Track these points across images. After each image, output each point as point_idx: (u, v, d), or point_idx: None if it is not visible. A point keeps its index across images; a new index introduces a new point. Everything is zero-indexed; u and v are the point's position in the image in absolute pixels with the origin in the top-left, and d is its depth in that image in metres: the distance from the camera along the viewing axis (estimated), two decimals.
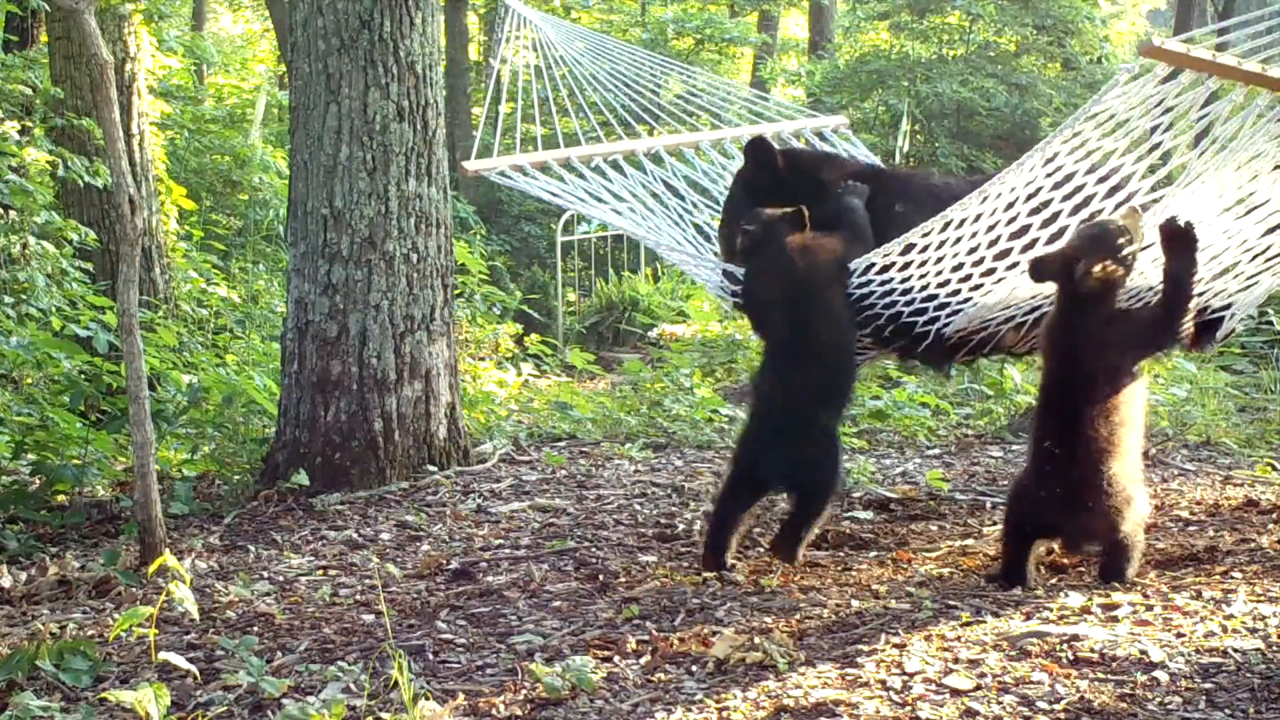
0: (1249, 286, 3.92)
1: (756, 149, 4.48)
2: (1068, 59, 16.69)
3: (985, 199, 3.64)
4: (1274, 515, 4.06)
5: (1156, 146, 3.56)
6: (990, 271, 3.80)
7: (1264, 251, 3.76)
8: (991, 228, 3.71)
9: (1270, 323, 7.25)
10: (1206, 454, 5.32)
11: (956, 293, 3.89)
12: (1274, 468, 4.93)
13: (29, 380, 6.36)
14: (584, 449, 5.98)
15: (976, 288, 3.86)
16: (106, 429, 5.37)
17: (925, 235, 3.73)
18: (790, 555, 3.79)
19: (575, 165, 5.21)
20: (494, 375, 8.38)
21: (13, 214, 6.92)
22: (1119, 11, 22.21)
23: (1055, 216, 3.67)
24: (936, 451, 5.76)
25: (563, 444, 6.11)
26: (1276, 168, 3.59)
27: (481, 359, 9.07)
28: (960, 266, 3.82)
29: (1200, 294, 3.84)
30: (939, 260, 3.81)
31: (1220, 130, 3.37)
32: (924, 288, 3.89)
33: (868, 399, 6.55)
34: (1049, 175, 3.62)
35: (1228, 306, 3.98)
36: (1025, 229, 3.70)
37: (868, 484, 4.90)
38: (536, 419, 6.68)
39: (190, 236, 10.49)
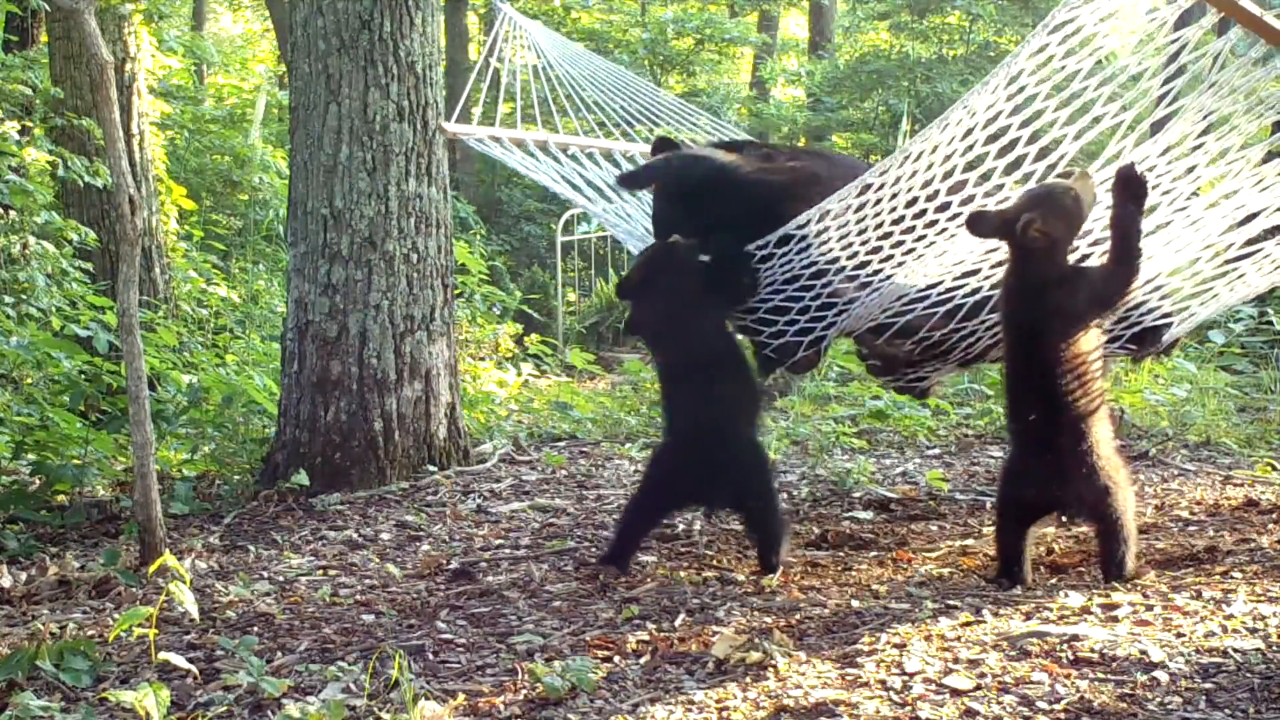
0: (1201, 293, 3.89)
1: (661, 146, 4.48)
2: None
3: (945, 127, 3.53)
4: (1274, 515, 4.06)
5: (1130, 75, 3.48)
6: (945, 206, 3.72)
7: (1223, 250, 3.73)
8: (948, 157, 3.61)
9: (1270, 323, 7.25)
10: (1206, 454, 5.32)
11: (889, 254, 3.82)
12: (1274, 468, 4.93)
13: (29, 380, 6.36)
14: (584, 449, 5.98)
15: (930, 227, 3.76)
16: (106, 429, 5.36)
17: (872, 183, 3.63)
18: (769, 566, 3.76)
19: (552, 150, 5.22)
20: (494, 375, 8.38)
21: (13, 214, 6.92)
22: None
23: (1013, 144, 3.59)
24: (936, 451, 5.76)
25: (563, 444, 6.11)
26: (1246, 145, 3.56)
27: (481, 359, 9.07)
28: (901, 220, 3.73)
29: (1156, 287, 3.85)
30: (876, 208, 3.71)
31: (1189, 60, 3.33)
32: (842, 255, 3.82)
33: (868, 399, 6.55)
34: (1010, 99, 3.50)
35: (1179, 312, 3.96)
36: (982, 159, 3.62)
37: (868, 484, 4.90)
38: (536, 419, 6.68)
39: (190, 236, 10.49)
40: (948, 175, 3.65)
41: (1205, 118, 3.51)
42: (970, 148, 3.58)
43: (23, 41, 8.92)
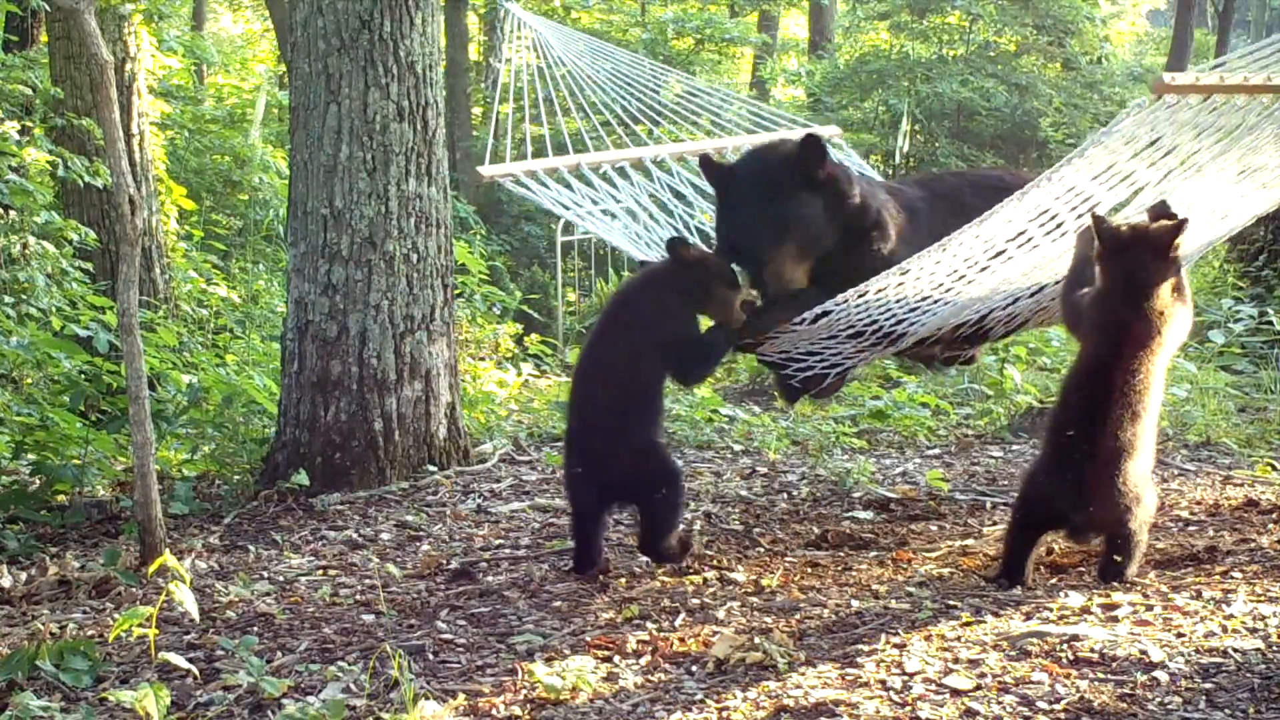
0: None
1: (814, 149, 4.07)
2: (1068, 59, 16.70)
3: (984, 223, 3.67)
4: (1274, 515, 4.06)
5: (1166, 151, 3.60)
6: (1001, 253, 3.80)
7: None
8: (989, 241, 3.73)
9: (1270, 323, 7.25)
10: (1206, 454, 5.32)
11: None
12: (1274, 468, 4.93)
13: (29, 380, 6.36)
14: None
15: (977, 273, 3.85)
16: (106, 429, 5.36)
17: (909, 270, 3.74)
18: (653, 555, 3.80)
19: (585, 172, 5.23)
20: (494, 375, 8.37)
21: (13, 214, 6.91)
22: (1119, 11, 22.20)
23: (1059, 224, 3.70)
24: (936, 451, 5.76)
25: (562, 444, 6.11)
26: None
27: (481, 359, 9.06)
28: (951, 276, 3.83)
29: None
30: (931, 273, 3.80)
31: (1222, 123, 3.47)
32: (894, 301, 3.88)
33: (868, 399, 6.56)
34: (1056, 197, 3.65)
35: None
36: (1024, 233, 3.73)
37: (868, 484, 4.90)
38: (536, 419, 6.68)
39: (190, 236, 10.49)
40: (988, 248, 3.74)
41: (1240, 157, 3.65)
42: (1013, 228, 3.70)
43: (23, 41, 8.92)
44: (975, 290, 3.88)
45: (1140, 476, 3.33)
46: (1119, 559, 3.36)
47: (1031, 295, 4.01)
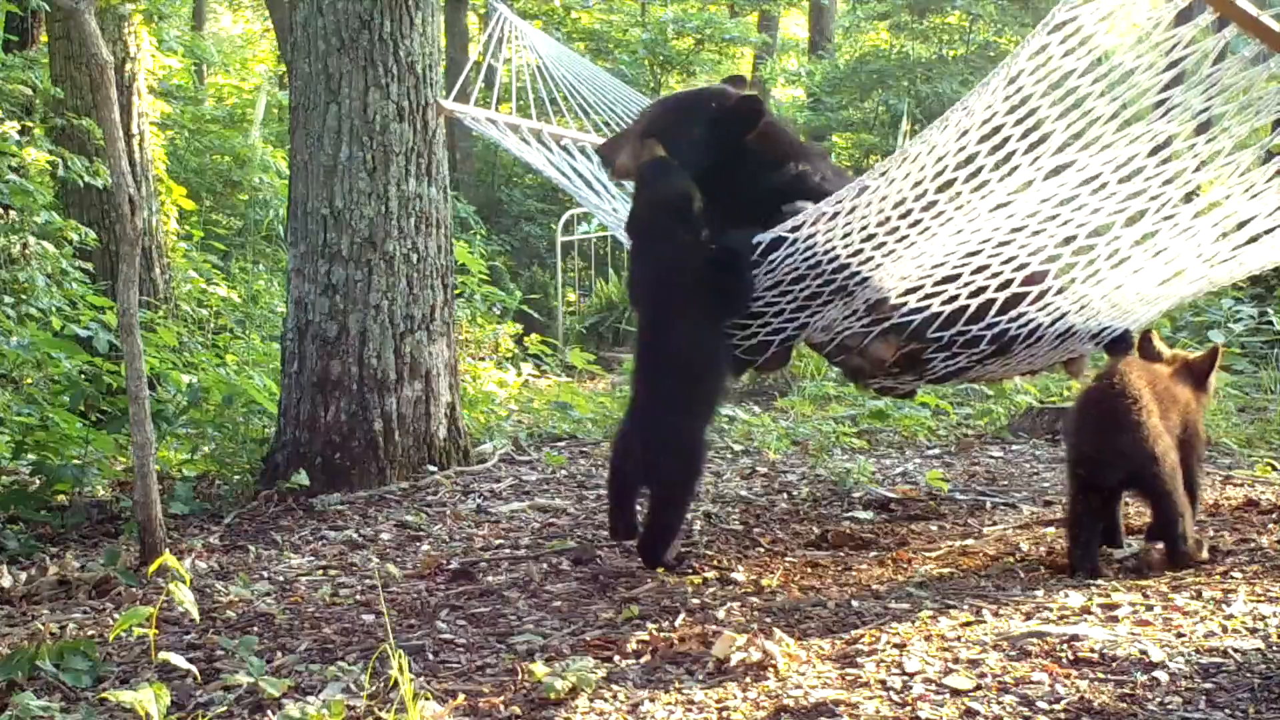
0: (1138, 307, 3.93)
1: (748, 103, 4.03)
2: None
3: (945, 128, 3.45)
4: (1274, 515, 4.06)
5: (1125, 70, 3.43)
6: (931, 205, 3.65)
7: (1212, 259, 3.75)
8: (941, 158, 3.53)
9: (1270, 323, 7.25)
10: (1207, 454, 5.32)
11: (881, 246, 3.73)
12: (1274, 468, 4.93)
13: (29, 380, 6.36)
14: (584, 449, 5.98)
15: (914, 226, 3.69)
16: (106, 429, 5.36)
17: (869, 185, 3.54)
18: (647, 557, 3.76)
19: (545, 139, 5.18)
20: (494, 375, 8.38)
21: (13, 214, 6.92)
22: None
23: (1005, 142, 3.51)
24: (936, 451, 5.76)
25: (563, 444, 6.11)
26: (1238, 148, 3.54)
27: (481, 359, 9.07)
28: (899, 207, 3.64)
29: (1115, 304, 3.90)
30: (878, 204, 3.63)
31: (1184, 55, 3.32)
32: (840, 250, 3.73)
33: (868, 399, 6.56)
34: (1007, 99, 3.42)
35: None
36: (973, 158, 3.54)
37: (868, 484, 4.90)
38: (536, 419, 6.68)
39: (190, 236, 10.49)
40: (939, 175, 3.60)
41: (1195, 116, 3.50)
42: (964, 148, 3.53)
43: (23, 41, 8.93)
44: (876, 277, 3.75)
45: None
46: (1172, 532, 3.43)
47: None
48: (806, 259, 3.72)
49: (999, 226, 3.71)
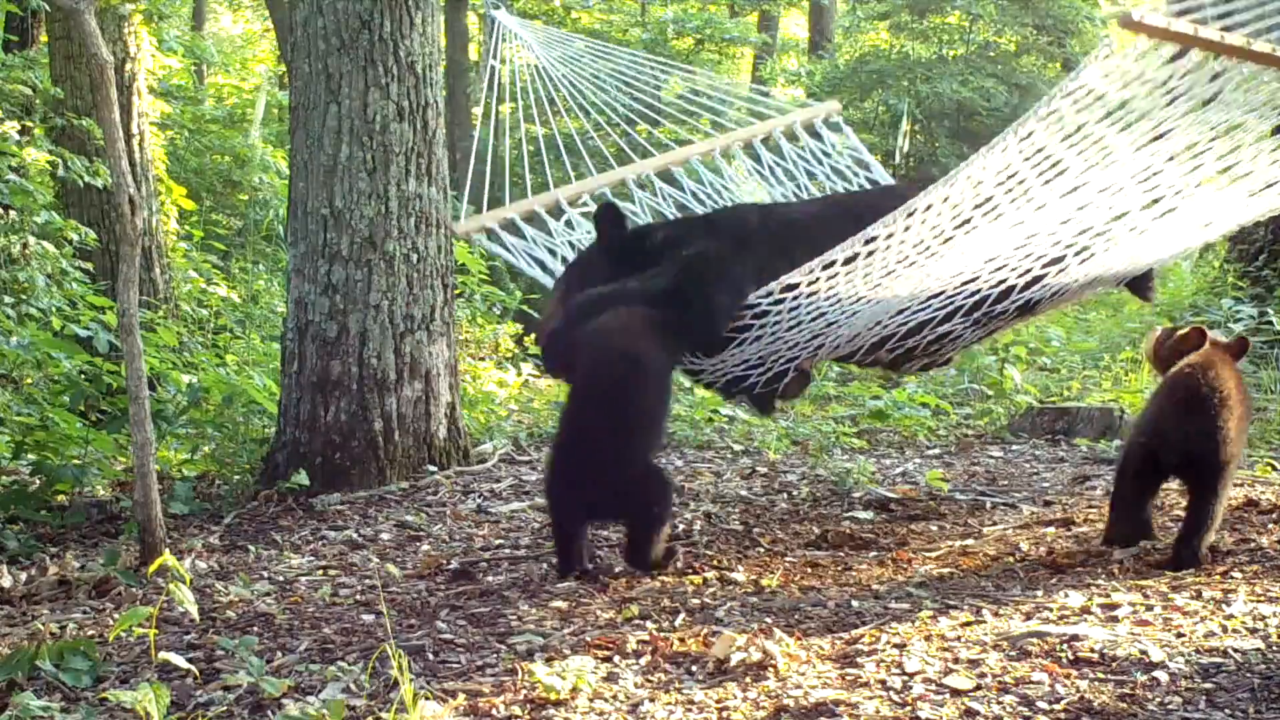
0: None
1: (603, 216, 4.35)
2: (1068, 59, 16.70)
3: (952, 184, 3.51)
4: (1274, 515, 4.06)
5: (1140, 115, 3.47)
6: (949, 240, 3.71)
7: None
8: (956, 205, 3.60)
9: (1270, 323, 7.25)
10: None
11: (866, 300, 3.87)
12: (1274, 468, 4.93)
13: (29, 380, 6.36)
14: None
15: (931, 257, 3.78)
16: (106, 429, 5.36)
17: (876, 237, 3.63)
18: (639, 566, 3.79)
19: (563, 207, 5.23)
20: (494, 375, 8.37)
21: (13, 214, 6.92)
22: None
23: (1024, 186, 3.58)
24: (936, 451, 5.76)
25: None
26: (1259, 140, 3.57)
27: (481, 359, 9.06)
28: (917, 247, 3.73)
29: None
30: (879, 261, 3.73)
31: (1184, 83, 3.33)
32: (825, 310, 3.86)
33: (868, 399, 6.56)
34: (1021, 153, 3.48)
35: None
36: (989, 200, 3.61)
37: (868, 484, 4.90)
38: (536, 419, 6.68)
39: (190, 236, 10.49)
40: (956, 217, 3.66)
41: (1213, 129, 3.51)
42: (979, 193, 3.58)
43: (23, 41, 8.93)
44: (936, 269, 3.81)
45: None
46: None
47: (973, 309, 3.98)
48: (828, 299, 3.79)
49: (1015, 241, 3.76)
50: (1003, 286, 3.96)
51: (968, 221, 3.66)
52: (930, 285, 3.88)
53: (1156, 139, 3.49)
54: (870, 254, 3.68)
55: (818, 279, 3.76)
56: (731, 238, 4.12)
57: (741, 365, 4.12)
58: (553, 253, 5.07)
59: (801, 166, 5.39)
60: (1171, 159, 3.57)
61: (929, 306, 3.99)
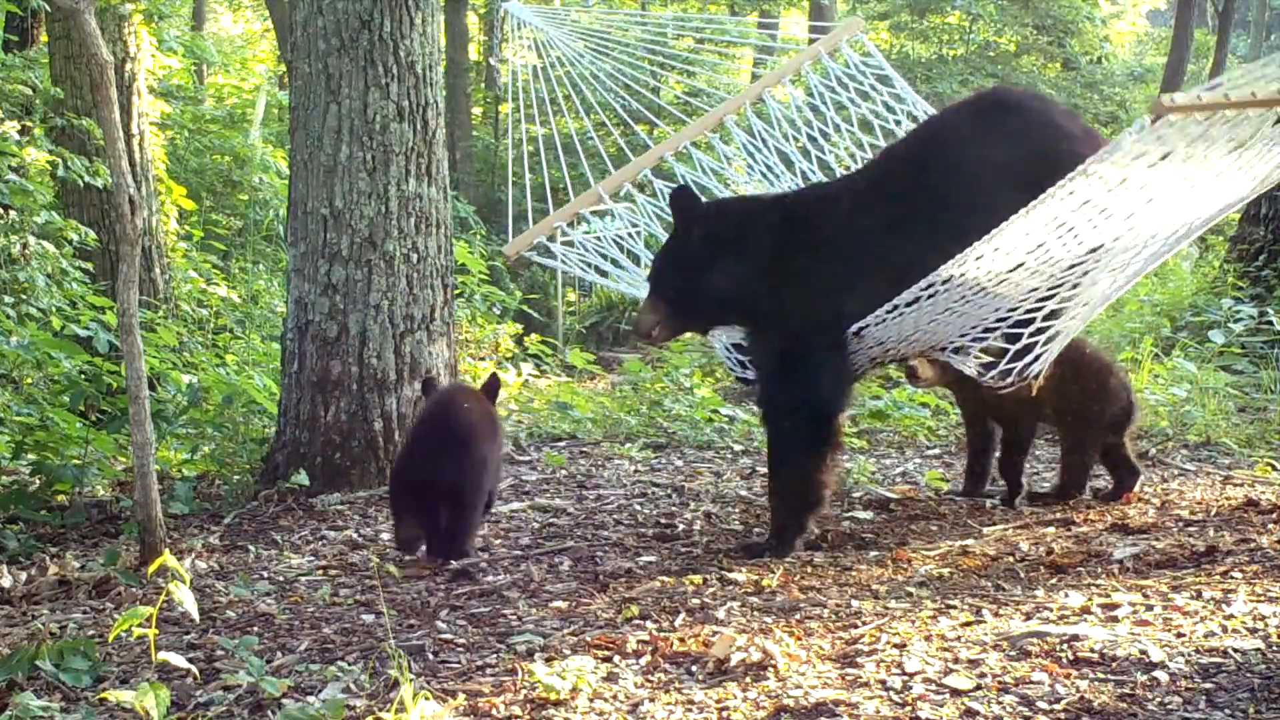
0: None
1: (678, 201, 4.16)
2: (1068, 59, 16.72)
3: (997, 239, 3.55)
4: (1274, 515, 4.06)
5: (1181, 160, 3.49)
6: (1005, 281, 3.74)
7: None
8: (1009, 253, 3.63)
9: (1270, 323, 7.25)
10: (1206, 454, 5.32)
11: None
12: (1274, 468, 4.93)
13: (29, 380, 6.36)
14: (584, 449, 5.98)
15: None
16: (106, 429, 5.37)
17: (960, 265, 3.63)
18: (456, 554, 3.99)
19: (605, 199, 5.18)
20: None
21: (13, 214, 6.92)
22: (1119, 11, 22.21)
23: (1077, 235, 3.62)
24: (936, 451, 5.76)
25: (563, 444, 6.12)
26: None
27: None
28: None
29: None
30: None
31: (1223, 135, 3.37)
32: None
33: (868, 399, 6.55)
34: (1072, 210, 3.51)
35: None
36: (1041, 245, 3.63)
37: (868, 484, 4.90)
38: (536, 419, 6.68)
39: (190, 236, 10.50)
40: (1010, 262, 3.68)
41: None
42: (1031, 238, 3.62)
43: (23, 41, 8.94)
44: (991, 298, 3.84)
45: None
46: None
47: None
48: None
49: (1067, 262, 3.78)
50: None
51: (1021, 265, 3.67)
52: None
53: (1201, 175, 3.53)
54: (932, 296, 3.71)
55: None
56: (809, 230, 4.05)
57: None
58: (605, 256, 5.03)
59: (829, 99, 5.33)
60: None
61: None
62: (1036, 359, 3.93)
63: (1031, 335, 3.88)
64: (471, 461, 3.95)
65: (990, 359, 3.99)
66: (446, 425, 4.01)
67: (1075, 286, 3.82)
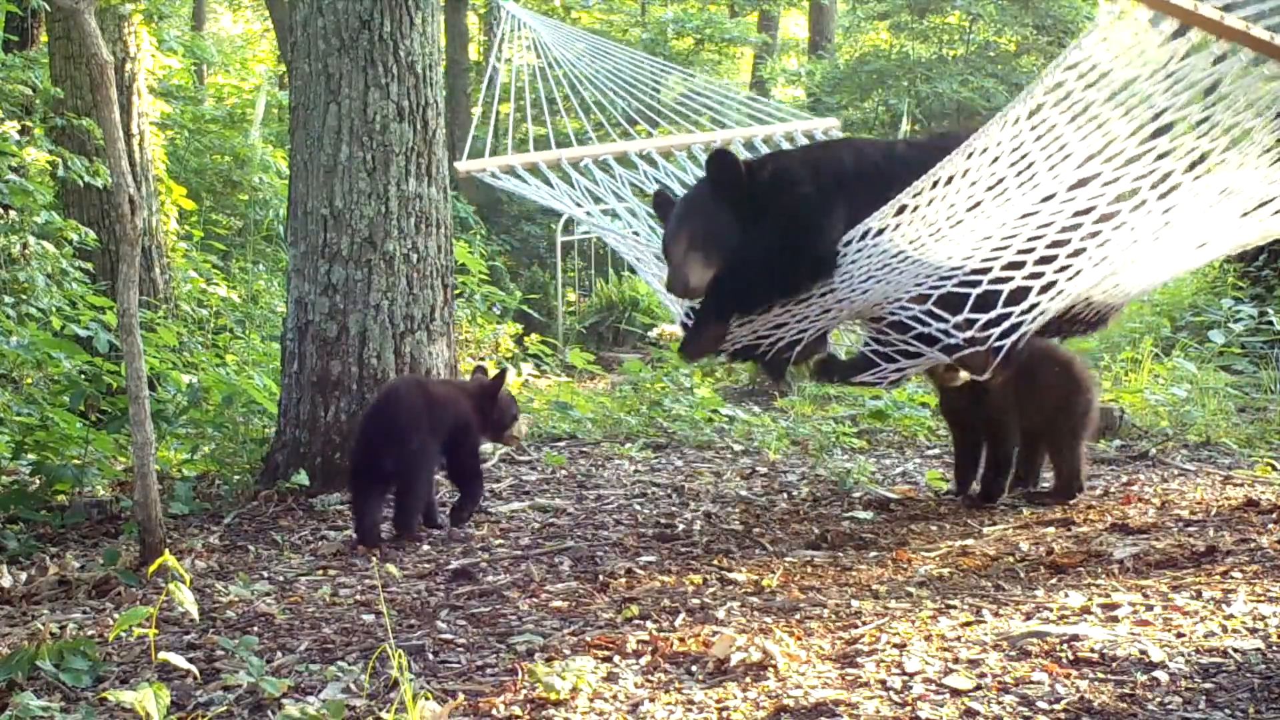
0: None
1: (719, 163, 4.14)
2: None
3: (970, 154, 3.52)
4: (1274, 515, 4.06)
5: (1141, 99, 3.44)
6: (960, 224, 3.73)
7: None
8: (974, 184, 3.62)
9: (1270, 323, 7.25)
10: (1206, 454, 5.32)
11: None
12: (1274, 468, 4.93)
13: (29, 380, 6.36)
14: (584, 449, 5.98)
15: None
16: (106, 429, 5.36)
17: (915, 194, 3.64)
18: (404, 529, 4.35)
19: (564, 167, 5.21)
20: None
21: (13, 214, 6.92)
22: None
23: (1032, 169, 3.58)
24: (936, 451, 5.76)
25: (563, 444, 6.11)
26: (1266, 152, 3.57)
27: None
28: (937, 229, 3.76)
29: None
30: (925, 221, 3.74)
31: (1185, 67, 3.32)
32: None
33: (868, 399, 6.55)
34: (1033, 129, 3.48)
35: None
36: (1001, 182, 3.62)
37: (868, 484, 4.90)
38: (536, 419, 6.68)
39: (190, 236, 10.49)
40: (970, 199, 3.66)
41: (1218, 129, 3.49)
42: (994, 173, 3.59)
43: (23, 41, 8.93)
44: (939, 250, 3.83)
45: None
46: None
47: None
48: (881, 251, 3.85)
49: (1024, 233, 3.75)
50: (1011, 285, 3.90)
51: (979, 205, 3.67)
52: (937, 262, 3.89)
53: (1159, 132, 3.48)
54: (898, 227, 3.72)
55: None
56: (832, 179, 4.07)
57: (746, 341, 4.15)
58: (578, 204, 5.07)
59: None
60: (1165, 155, 3.56)
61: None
62: (1014, 329, 3.93)
63: (1007, 304, 3.89)
64: (410, 447, 4.26)
65: (971, 334, 3.99)
66: (382, 416, 4.33)
67: (1066, 267, 3.83)
